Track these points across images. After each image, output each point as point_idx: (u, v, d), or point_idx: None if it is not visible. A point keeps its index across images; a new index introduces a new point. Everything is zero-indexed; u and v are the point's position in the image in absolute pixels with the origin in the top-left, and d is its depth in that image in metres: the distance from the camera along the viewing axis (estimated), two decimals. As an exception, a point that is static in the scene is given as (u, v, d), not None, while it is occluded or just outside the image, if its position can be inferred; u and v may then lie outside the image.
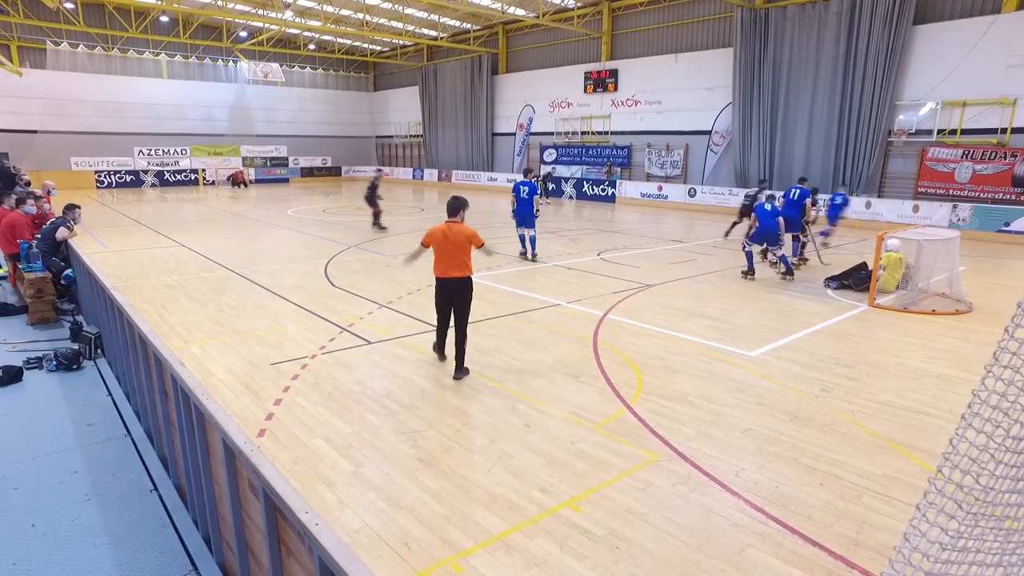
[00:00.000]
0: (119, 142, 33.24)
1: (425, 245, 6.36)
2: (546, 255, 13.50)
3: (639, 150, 26.79)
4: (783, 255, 11.14)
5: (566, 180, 28.96)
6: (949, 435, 2.64)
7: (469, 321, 6.39)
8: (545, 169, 29.77)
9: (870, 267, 10.08)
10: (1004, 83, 16.99)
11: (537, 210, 12.77)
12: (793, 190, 12.70)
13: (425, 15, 30.11)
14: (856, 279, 10.23)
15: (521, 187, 12.56)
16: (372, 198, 17.15)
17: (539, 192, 23.63)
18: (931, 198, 18.39)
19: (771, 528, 3.84)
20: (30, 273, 8.65)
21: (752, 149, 22.44)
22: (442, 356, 6.76)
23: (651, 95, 25.96)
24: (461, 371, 6.29)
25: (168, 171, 34.79)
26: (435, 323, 6.71)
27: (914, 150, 18.95)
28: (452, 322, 6.42)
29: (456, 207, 6.27)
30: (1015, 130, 16.98)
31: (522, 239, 13.07)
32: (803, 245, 13.03)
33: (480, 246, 6.30)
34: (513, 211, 12.73)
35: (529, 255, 12.91)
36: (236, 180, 35.00)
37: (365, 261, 12.65)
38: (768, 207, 11.35)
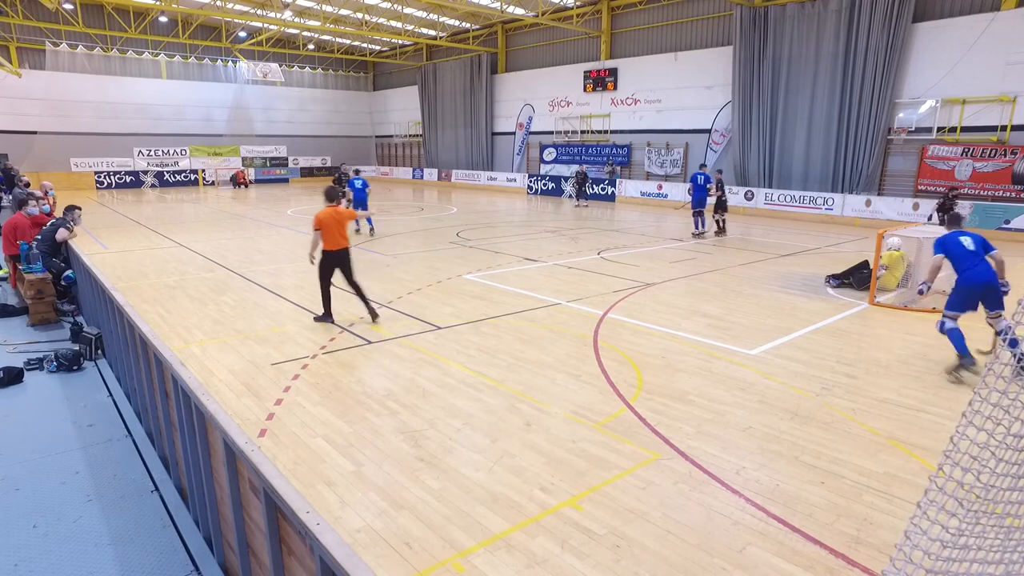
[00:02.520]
0: (118, 143, 33.21)
1: (318, 229, 7.71)
2: (546, 254, 13.51)
3: (639, 149, 26.77)
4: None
5: (566, 179, 28.93)
6: (950, 433, 2.64)
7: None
8: (574, 168, 28.43)
9: (871, 265, 10.07)
10: (1004, 80, 16.97)
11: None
12: (699, 176, 15.85)
13: (424, 14, 30.09)
14: (858, 278, 10.22)
15: (356, 181, 15.92)
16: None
17: (573, 195, 25.16)
18: (931, 196, 18.34)
19: (772, 526, 3.84)
20: (30, 274, 8.65)
21: (752, 147, 22.42)
22: (332, 319, 8.10)
23: (651, 94, 25.94)
24: (375, 313, 8.09)
25: (168, 171, 34.77)
26: (430, 319, 6.75)
27: (914, 148, 18.93)
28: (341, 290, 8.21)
29: (334, 195, 7.93)
30: (1015, 127, 16.95)
31: (357, 221, 16.13)
32: (722, 220, 16.41)
33: (355, 218, 8.34)
34: (355, 200, 15.64)
35: (368, 232, 16.36)
36: (237, 180, 35.04)
37: (365, 261, 12.65)
38: (701, 180, 15.64)
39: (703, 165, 17.25)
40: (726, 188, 16.07)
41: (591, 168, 28.42)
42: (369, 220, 16.52)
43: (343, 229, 7.83)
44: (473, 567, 3.44)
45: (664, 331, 7.90)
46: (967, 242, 6.44)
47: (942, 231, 10.11)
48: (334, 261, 7.88)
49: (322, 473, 4.43)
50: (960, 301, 6.32)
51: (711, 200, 16.29)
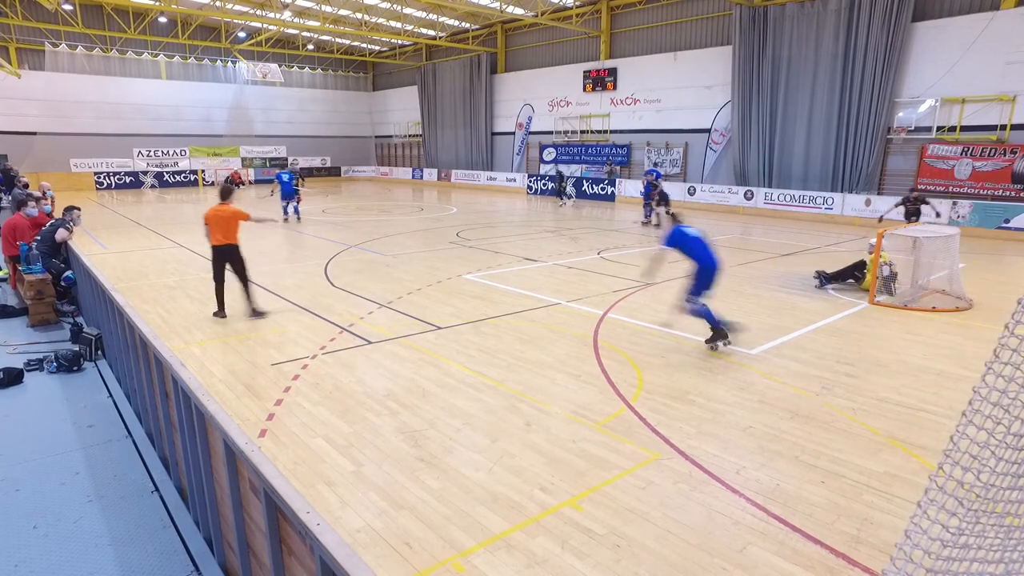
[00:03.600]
0: (118, 143, 33.19)
1: (206, 224, 8.16)
2: (546, 254, 13.51)
3: (638, 148, 26.77)
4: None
5: (565, 179, 28.94)
6: (950, 432, 2.64)
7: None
8: (573, 168, 28.95)
9: (867, 267, 10.01)
10: (1003, 79, 16.98)
11: (301, 185, 19.62)
12: (651, 172, 18.68)
13: (424, 15, 30.09)
14: (858, 279, 10.13)
15: (283, 175, 19.13)
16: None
17: (559, 193, 26.52)
18: (931, 195, 18.35)
19: (772, 526, 3.84)
20: (30, 275, 8.65)
21: (751, 147, 22.42)
22: (224, 314, 8.41)
23: (650, 93, 25.94)
24: (258, 310, 8.43)
25: (167, 172, 34.75)
26: (430, 319, 6.74)
27: (913, 147, 18.94)
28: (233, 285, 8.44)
29: (225, 192, 8.32)
30: (1014, 126, 16.96)
31: (285, 208, 18.97)
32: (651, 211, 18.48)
33: (246, 219, 8.25)
34: (281, 191, 18.96)
35: (293, 217, 18.97)
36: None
37: (365, 261, 12.66)
38: (653, 176, 18.40)
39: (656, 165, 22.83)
40: (663, 184, 18.77)
41: (591, 168, 28.43)
42: (296, 208, 19.24)
43: (228, 225, 8.16)
44: (473, 567, 3.45)
45: (664, 331, 7.90)
46: (695, 232, 7.19)
47: (948, 230, 10.16)
48: (219, 256, 8.25)
49: (322, 473, 4.43)
50: (705, 284, 7.07)
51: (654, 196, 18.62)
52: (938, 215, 14.31)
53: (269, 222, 10.57)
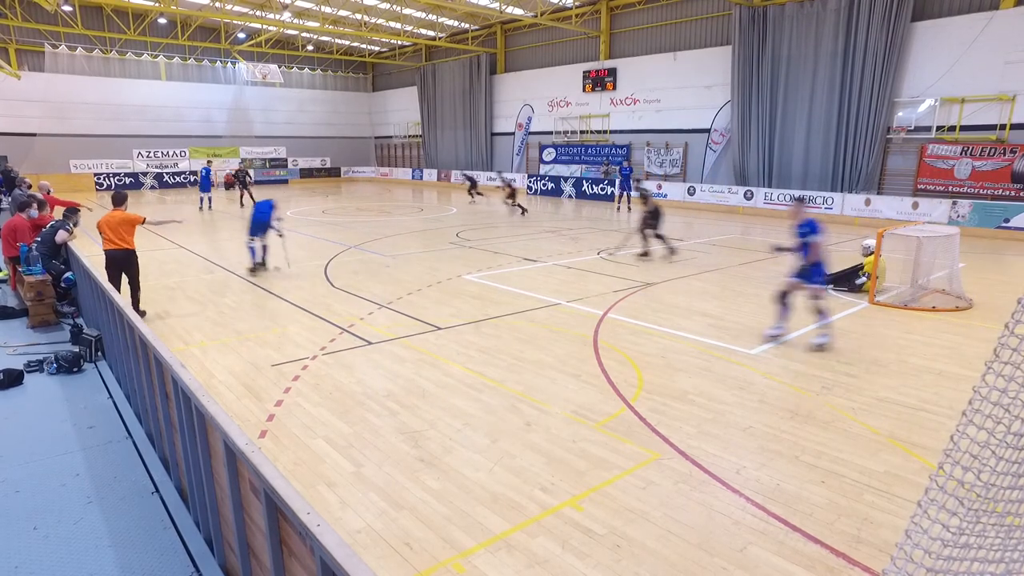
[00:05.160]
0: (118, 144, 33.19)
1: (98, 230, 8.35)
2: (546, 254, 13.51)
3: (638, 148, 26.76)
4: None
5: (565, 179, 28.94)
6: (950, 431, 2.64)
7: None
8: (574, 168, 29.36)
9: (865, 269, 9.97)
10: (1003, 79, 16.98)
11: (249, 184, 24.81)
12: (626, 170, 22.68)
13: (423, 15, 30.09)
14: (852, 286, 10.08)
15: (202, 170, 22.68)
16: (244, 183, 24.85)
17: (470, 191, 27.27)
18: (930, 195, 18.38)
19: (772, 526, 3.84)
20: (30, 276, 8.64)
21: (751, 147, 22.42)
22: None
23: (650, 93, 25.95)
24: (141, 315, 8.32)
25: (167, 173, 34.74)
26: (430, 319, 6.81)
27: (913, 147, 18.94)
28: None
29: (119, 199, 8.47)
30: (1014, 126, 16.96)
31: (201, 200, 22.55)
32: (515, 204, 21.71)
33: (142, 222, 8.39)
34: (200, 184, 22.77)
35: (206, 207, 22.51)
36: (228, 183, 33.74)
37: (365, 262, 12.66)
38: (626, 172, 22.32)
39: (627, 160, 25.92)
40: (509, 180, 22.67)
41: (591, 168, 28.46)
42: (210, 201, 22.43)
43: (119, 231, 8.25)
44: (474, 567, 3.44)
45: (664, 331, 7.90)
46: (262, 202, 11.31)
47: (948, 229, 10.16)
48: (111, 262, 8.31)
49: (322, 474, 4.43)
50: (253, 231, 11.29)
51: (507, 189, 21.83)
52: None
53: (172, 224, 11.24)
